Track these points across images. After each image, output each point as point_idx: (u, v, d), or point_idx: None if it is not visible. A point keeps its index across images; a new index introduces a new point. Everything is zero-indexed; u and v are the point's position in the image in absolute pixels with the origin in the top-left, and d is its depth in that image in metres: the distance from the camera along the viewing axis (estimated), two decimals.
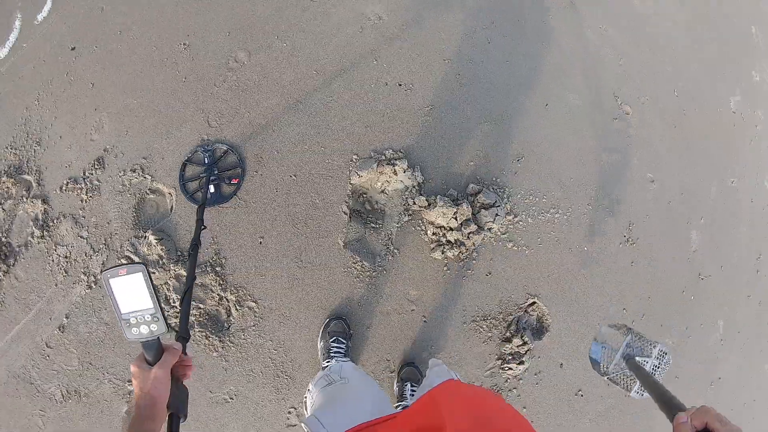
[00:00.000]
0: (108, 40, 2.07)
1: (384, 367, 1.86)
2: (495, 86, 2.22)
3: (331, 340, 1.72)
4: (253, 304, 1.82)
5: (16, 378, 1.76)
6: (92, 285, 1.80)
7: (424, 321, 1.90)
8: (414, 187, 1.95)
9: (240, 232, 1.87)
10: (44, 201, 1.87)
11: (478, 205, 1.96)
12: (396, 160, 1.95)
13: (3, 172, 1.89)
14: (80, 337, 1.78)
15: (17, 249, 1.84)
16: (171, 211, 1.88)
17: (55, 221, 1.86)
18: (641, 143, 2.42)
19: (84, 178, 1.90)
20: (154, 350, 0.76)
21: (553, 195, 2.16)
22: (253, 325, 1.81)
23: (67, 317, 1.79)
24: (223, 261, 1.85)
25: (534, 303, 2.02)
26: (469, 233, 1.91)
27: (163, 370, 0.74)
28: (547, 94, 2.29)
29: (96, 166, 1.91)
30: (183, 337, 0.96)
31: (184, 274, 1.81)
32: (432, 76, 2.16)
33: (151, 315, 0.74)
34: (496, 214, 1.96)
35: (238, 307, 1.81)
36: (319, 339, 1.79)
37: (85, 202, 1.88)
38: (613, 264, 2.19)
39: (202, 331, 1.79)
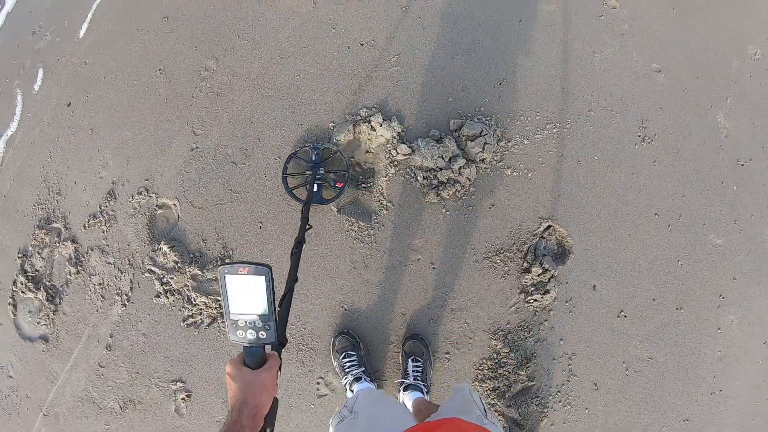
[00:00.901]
0: (95, 88, 2.31)
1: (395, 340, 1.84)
2: (459, 17, 2.17)
3: (341, 357, 1.72)
4: None
5: (80, 401, 1.96)
6: (126, 303, 1.98)
7: (433, 268, 1.86)
8: (394, 137, 1.94)
9: (240, 222, 1.97)
10: (73, 241, 2.09)
11: (464, 138, 1.90)
12: (371, 116, 1.96)
13: (35, 226, 2.15)
14: (125, 351, 1.95)
15: (61, 288, 2.07)
16: (178, 219, 2.03)
17: (85, 256, 2.07)
18: (638, 34, 2.23)
19: (101, 212, 2.10)
20: (257, 357, 0.71)
21: (547, 110, 2.05)
22: None
23: (111, 336, 1.97)
24: (231, 252, 1.94)
25: (549, 226, 1.90)
26: (459, 168, 1.85)
27: (271, 375, 0.70)
28: (518, 9, 2.19)
29: (108, 199, 2.11)
30: (281, 343, 0.86)
31: (199, 273, 1.93)
32: (392, 27, 2.16)
33: (263, 321, 0.69)
34: (485, 143, 1.89)
35: None
36: (332, 359, 1.79)
37: (106, 232, 2.08)
38: (632, 167, 2.01)
39: (223, 322, 1.88)
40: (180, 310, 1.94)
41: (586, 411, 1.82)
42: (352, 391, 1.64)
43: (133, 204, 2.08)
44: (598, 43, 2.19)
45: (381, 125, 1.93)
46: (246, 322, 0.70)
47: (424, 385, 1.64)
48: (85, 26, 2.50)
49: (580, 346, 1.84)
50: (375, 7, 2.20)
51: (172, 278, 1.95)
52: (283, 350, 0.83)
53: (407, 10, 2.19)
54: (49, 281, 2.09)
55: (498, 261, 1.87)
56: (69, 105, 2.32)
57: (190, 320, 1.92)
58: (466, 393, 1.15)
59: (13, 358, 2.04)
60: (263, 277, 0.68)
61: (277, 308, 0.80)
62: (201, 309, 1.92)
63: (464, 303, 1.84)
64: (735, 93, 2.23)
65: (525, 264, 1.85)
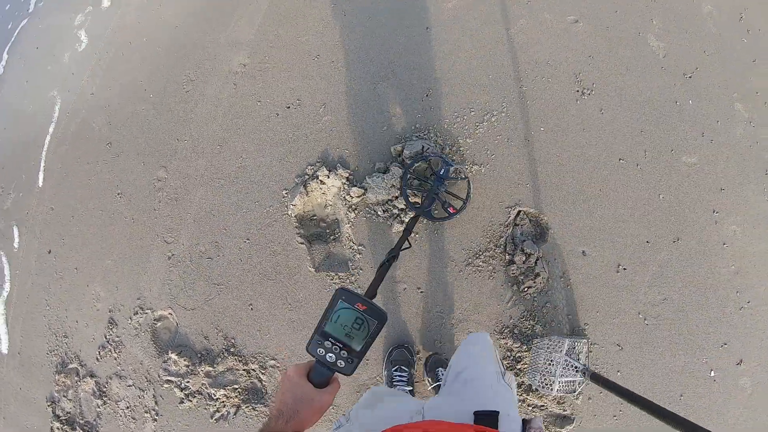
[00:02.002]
0: (68, 229, 2.47)
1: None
2: (369, 47, 2.26)
3: (393, 369, 1.75)
4: (273, 361, 1.98)
5: None
6: (155, 417, 2.10)
7: (421, 292, 1.92)
8: (344, 183, 2.02)
9: (232, 310, 2.07)
10: (92, 376, 2.23)
11: (408, 160, 1.98)
12: (316, 171, 2.05)
13: (54, 372, 2.30)
14: None
15: (94, 422, 2.20)
16: (177, 326, 2.14)
17: (106, 386, 2.20)
18: None
19: (108, 342, 2.24)
20: (323, 378, 0.72)
21: (479, 102, 2.10)
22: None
23: None
24: (233, 341, 2.04)
25: (519, 212, 1.95)
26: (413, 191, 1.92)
27: (329, 400, 0.71)
28: (422, 18, 2.27)
29: (111, 327, 2.25)
30: (371, 296, 0.94)
31: (211, 369, 2.04)
32: (311, 80, 2.26)
33: (351, 355, 0.72)
34: (428, 159, 1.95)
35: (263, 371, 1.98)
36: (383, 367, 1.84)
37: (118, 358, 2.21)
38: (581, 124, 2.05)
39: (247, 406, 1.98)
40: (205, 408, 2.04)
41: (619, 374, 1.84)
42: None
43: (134, 325, 2.20)
44: (508, 18, 2.24)
45: (328, 177, 2.02)
46: (333, 347, 0.71)
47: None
48: (41, 175, 2.68)
49: (590, 314, 1.87)
50: (290, 67, 2.30)
51: (188, 382, 2.06)
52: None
53: (320, 59, 2.29)
54: (82, 419, 2.22)
55: (480, 263, 1.92)
56: (50, 252, 2.49)
57: (217, 414, 2.02)
58: (489, 341, 1.13)
59: None
60: (378, 322, 0.71)
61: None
62: (223, 401, 2.02)
63: (462, 314, 1.90)
64: (659, 11, 2.25)
65: (507, 256, 1.89)
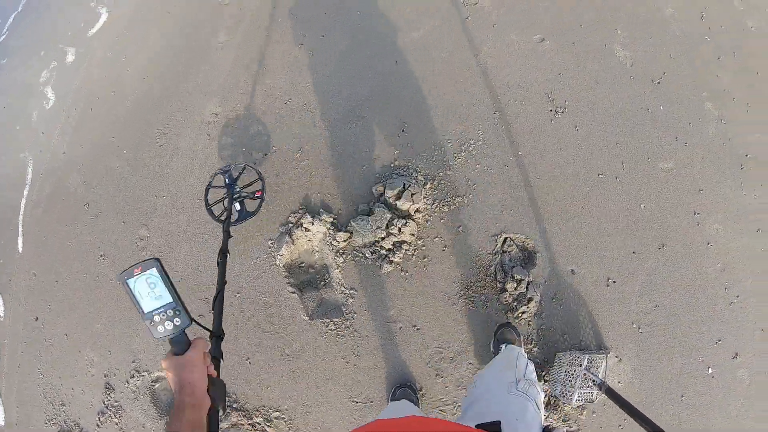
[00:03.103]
0: (53, 295, 2.43)
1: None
2: (339, 88, 2.26)
3: None
4: (278, 413, 1.99)
5: None
6: None
7: (417, 329, 1.94)
8: (329, 228, 2.03)
9: (230, 364, 2.07)
10: None
11: (391, 199, 1.99)
12: (299, 220, 2.05)
13: None
14: None
15: None
16: None
17: None
18: (507, 16, 2.30)
19: (107, 408, 2.22)
20: (182, 345, 0.78)
21: (455, 132, 2.12)
22: (289, 429, 1.97)
23: None
24: (234, 396, 2.04)
25: (505, 239, 1.98)
26: (399, 229, 1.94)
27: (196, 353, 0.76)
28: (388, 52, 2.28)
29: (108, 392, 2.23)
30: (217, 336, 1.02)
31: None
32: (285, 125, 2.25)
33: (173, 309, 0.76)
34: (412, 194, 1.97)
35: (268, 424, 1.99)
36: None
37: (119, 423, 2.19)
38: (557, 143, 2.08)
39: None
40: None
41: (619, 384, 1.88)
42: None
43: (131, 388, 2.19)
44: (475, 44, 2.26)
45: (312, 223, 2.02)
46: (160, 315, 0.77)
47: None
48: (20, 240, 2.64)
49: (585, 330, 1.90)
50: (262, 114, 2.30)
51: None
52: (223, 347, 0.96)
53: (291, 103, 2.29)
54: None
55: (473, 294, 1.94)
56: (36, 319, 2.45)
57: None
58: (513, 354, 1.17)
59: None
60: (154, 268, 0.75)
61: (212, 308, 1.10)
62: None
63: (460, 346, 1.92)
64: (622, 19, 2.29)
65: (498, 284, 1.92)
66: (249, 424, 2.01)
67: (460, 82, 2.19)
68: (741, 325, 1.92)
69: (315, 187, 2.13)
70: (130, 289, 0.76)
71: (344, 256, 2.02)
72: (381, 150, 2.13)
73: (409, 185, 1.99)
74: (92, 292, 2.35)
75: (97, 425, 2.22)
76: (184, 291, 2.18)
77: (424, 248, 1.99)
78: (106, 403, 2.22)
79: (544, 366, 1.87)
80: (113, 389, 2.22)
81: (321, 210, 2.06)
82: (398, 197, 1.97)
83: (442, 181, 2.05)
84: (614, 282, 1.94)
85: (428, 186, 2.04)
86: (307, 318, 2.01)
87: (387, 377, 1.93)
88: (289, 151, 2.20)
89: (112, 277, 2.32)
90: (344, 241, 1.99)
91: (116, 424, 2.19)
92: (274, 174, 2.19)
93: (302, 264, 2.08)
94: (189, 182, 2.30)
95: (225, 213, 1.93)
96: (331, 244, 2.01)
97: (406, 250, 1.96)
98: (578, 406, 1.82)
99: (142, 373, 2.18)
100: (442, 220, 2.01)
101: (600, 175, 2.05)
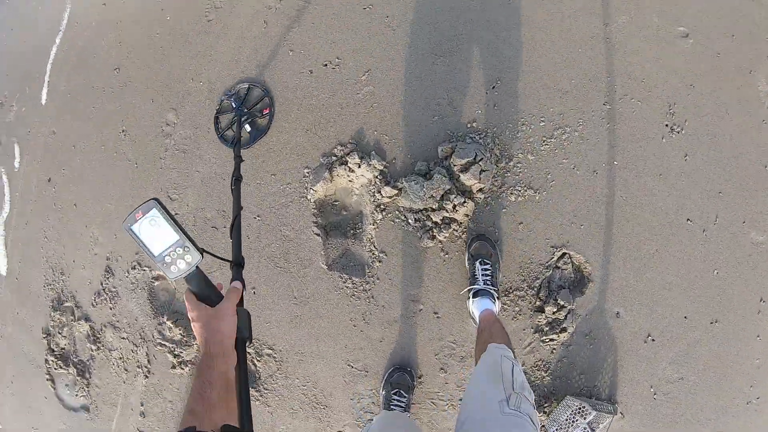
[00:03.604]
0: (69, 160, 2.10)
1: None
2: (435, 9, 1.69)
3: (392, 392, 1.56)
4: (270, 351, 1.75)
5: None
6: (147, 375, 1.92)
7: (437, 317, 1.61)
8: (376, 177, 1.60)
9: None
10: (87, 320, 2.02)
11: (456, 168, 1.53)
12: (345, 156, 1.62)
13: (50, 307, 2.09)
14: (158, 417, 1.93)
15: (88, 363, 2.04)
16: (175, 290, 1.87)
17: (100, 333, 2.00)
18: None
19: (103, 290, 1.99)
20: (198, 282, 0.72)
21: (554, 111, 1.60)
22: (277, 370, 1.74)
23: (142, 405, 1.95)
24: None
25: (564, 254, 1.56)
26: (454, 206, 1.51)
27: (230, 303, 0.71)
28: None
29: (107, 276, 1.98)
30: (238, 264, 0.94)
31: None
32: (357, 36, 1.73)
33: (181, 247, 0.69)
34: (481, 170, 1.52)
35: (258, 358, 1.75)
36: (381, 387, 1.65)
37: (113, 308, 1.98)
38: (659, 167, 1.58)
39: None
40: None
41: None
42: None
43: (131, 279, 1.94)
44: (609, 11, 1.64)
45: (359, 166, 1.59)
46: (171, 255, 0.69)
47: (494, 290, 1.47)
48: (44, 91, 2.24)
49: (603, 377, 1.58)
50: (334, 15, 1.75)
51: (182, 351, 1.84)
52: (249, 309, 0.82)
53: (372, 10, 1.72)
54: (75, 357, 2.06)
55: (507, 302, 1.58)
56: (49, 181, 2.14)
57: None
58: (496, 360, 1.03)
59: (63, 427, 2.09)
60: (154, 209, 0.68)
61: (230, 236, 1.04)
62: None
63: (474, 349, 1.60)
64: None
65: (538, 302, 1.55)
66: None
67: (578, 51, 1.62)
68: (749, 426, 1.58)
69: (373, 122, 1.66)
70: (135, 234, 0.68)
71: (384, 213, 1.63)
72: (461, 103, 1.63)
73: (482, 158, 1.53)
74: (108, 169, 2.00)
75: (92, 304, 2.01)
76: (202, 199, 1.82)
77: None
78: (104, 285, 1.99)
79: (549, 397, 1.57)
80: (113, 274, 1.97)
81: (373, 152, 1.62)
82: (465, 168, 1.52)
83: (519, 164, 1.58)
84: (653, 340, 1.56)
85: (502, 165, 1.57)
86: (325, 266, 1.67)
87: (391, 354, 1.64)
88: (354, 70, 1.70)
89: (131, 157, 1.96)
90: (389, 197, 1.58)
91: (110, 309, 1.97)
92: (329, 92, 1.72)
93: (336, 202, 1.69)
94: (232, 73, 1.84)
95: (235, 135, 1.67)
96: (374, 195, 1.60)
97: (454, 229, 1.56)
98: None
99: (144, 268, 1.91)
100: (504, 210, 1.58)
101: (689, 221, 1.57)
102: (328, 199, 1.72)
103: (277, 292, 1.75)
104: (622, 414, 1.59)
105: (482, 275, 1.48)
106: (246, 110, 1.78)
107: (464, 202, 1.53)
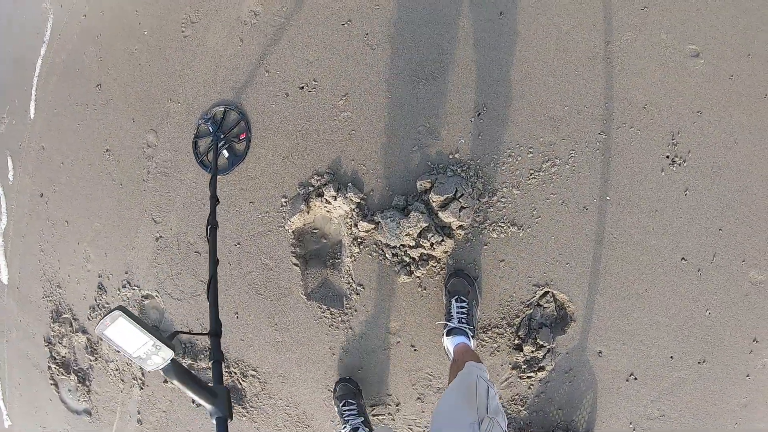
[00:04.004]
0: (58, 176, 1.96)
1: (384, 403, 1.55)
2: (417, 27, 1.45)
3: (341, 404, 1.47)
4: (255, 372, 1.66)
5: None
6: (142, 386, 1.87)
7: (414, 350, 1.48)
8: (353, 210, 1.44)
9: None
10: (83, 332, 1.96)
11: (435, 204, 1.36)
12: (321, 187, 1.46)
13: (50, 318, 2.03)
14: (153, 425, 1.90)
15: (87, 371, 2.00)
16: (164, 309, 1.79)
17: (97, 345, 1.95)
18: (666, 3, 1.38)
19: (97, 305, 1.91)
20: (176, 373, 0.71)
21: (544, 141, 1.39)
22: (261, 390, 1.66)
23: (139, 413, 1.92)
24: None
25: (546, 293, 1.40)
26: (432, 244, 1.36)
27: None
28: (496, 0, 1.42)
29: (100, 292, 1.90)
30: (216, 334, 0.85)
31: (193, 363, 1.74)
32: (334, 56, 1.50)
33: (152, 346, 0.69)
34: (461, 208, 1.34)
35: (243, 378, 1.68)
36: (333, 404, 1.55)
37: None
38: (656, 203, 1.37)
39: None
40: (191, 402, 1.80)
41: None
42: None
43: (122, 297, 1.85)
44: (612, 27, 1.38)
45: (335, 198, 1.43)
46: (146, 352, 0.69)
47: (469, 328, 1.33)
48: (32, 105, 2.08)
49: (582, 413, 1.46)
50: (310, 32, 1.52)
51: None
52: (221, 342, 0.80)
53: (350, 26, 1.50)
54: (76, 366, 2.02)
55: (485, 338, 1.44)
56: (42, 196, 2.02)
57: (197, 402, 1.79)
58: (471, 380, 0.94)
59: (67, 427, 2.08)
60: (120, 318, 0.67)
61: (207, 297, 0.94)
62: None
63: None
64: None
65: (516, 340, 1.41)
66: (226, 371, 1.71)
67: (574, 72, 1.38)
68: None
69: (351, 151, 1.48)
70: (108, 338, 0.67)
71: (361, 246, 1.47)
72: (443, 131, 1.43)
73: (462, 194, 1.35)
74: (94, 187, 1.87)
75: (88, 317, 1.94)
76: (184, 223, 1.70)
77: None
78: (97, 300, 1.91)
79: (524, 430, 1.47)
80: (105, 291, 1.88)
81: (350, 184, 1.44)
82: (444, 205, 1.35)
83: (503, 199, 1.40)
84: (635, 379, 1.41)
85: (484, 200, 1.39)
86: (304, 296, 1.55)
87: (366, 382, 1.54)
88: (331, 93, 1.50)
89: (116, 178, 1.82)
90: (366, 231, 1.42)
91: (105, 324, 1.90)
92: (305, 117, 1.52)
93: (315, 230, 1.54)
94: (208, 94, 1.64)
95: (212, 164, 1.48)
96: (351, 228, 1.45)
97: (432, 266, 1.40)
98: None
99: (134, 287, 1.81)
100: (486, 246, 1.41)
101: (683, 260, 1.37)
102: (308, 227, 1.57)
103: (258, 318, 1.64)
104: None
105: (457, 313, 1.30)
106: (223, 135, 1.56)
107: (442, 240, 1.36)
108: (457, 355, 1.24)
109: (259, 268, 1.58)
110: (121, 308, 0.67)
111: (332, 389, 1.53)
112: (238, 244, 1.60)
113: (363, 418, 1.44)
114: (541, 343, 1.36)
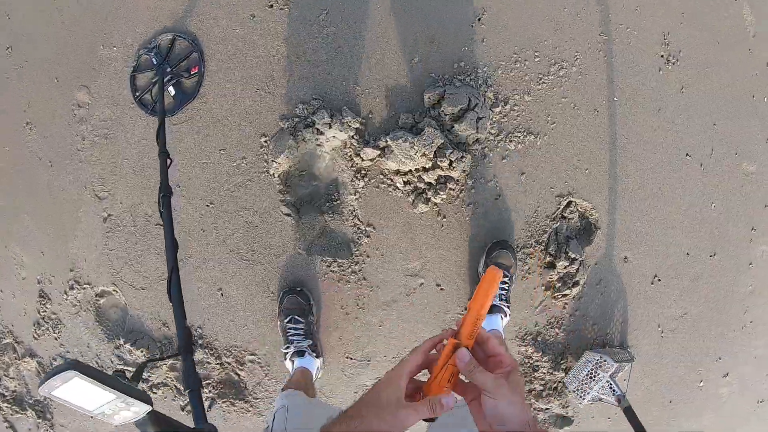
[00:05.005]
0: None
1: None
2: None
3: (286, 320, 0.87)
4: (253, 357, 0.97)
5: None
6: None
7: (441, 289, 0.92)
8: (352, 137, 0.84)
9: (196, 294, 0.97)
10: (32, 355, 1.10)
11: (448, 118, 0.81)
12: (311, 116, 0.83)
13: None
14: None
15: (46, 402, 1.14)
16: (126, 305, 1.02)
17: (50, 366, 1.10)
18: None
19: (42, 318, 1.07)
20: (152, 425, 0.38)
21: (548, 44, 0.91)
22: (265, 376, 0.98)
23: None
24: (200, 330, 0.98)
25: (570, 203, 0.92)
26: (450, 163, 0.80)
27: (411, 417, 0.30)
28: None
29: (42, 302, 1.06)
30: (188, 350, 0.46)
31: (175, 362, 0.99)
32: None
33: (121, 401, 0.36)
34: (478, 118, 0.81)
35: (240, 367, 0.98)
36: (277, 318, 0.92)
37: (59, 338, 1.07)
38: (657, 102, 0.96)
39: (225, 401, 1.01)
40: (173, 400, 1.04)
41: (624, 381, 1.06)
42: (292, 362, 0.85)
43: (71, 301, 1.04)
44: None
45: (330, 126, 0.82)
46: (111, 408, 0.37)
47: (507, 306, 0.85)
48: None
49: (615, 324, 1.01)
50: None
51: (150, 374, 1.02)
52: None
53: None
54: (30, 398, 1.14)
55: (516, 262, 0.93)
56: None
57: (189, 408, 1.04)
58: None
59: None
60: (75, 378, 0.34)
61: (169, 298, 0.50)
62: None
63: None
64: None
65: (548, 257, 0.91)
66: (217, 363, 0.99)
67: None
68: (742, 349, 1.10)
69: (339, 70, 0.88)
70: (60, 398, 0.35)
71: (366, 179, 0.87)
72: (444, 39, 0.89)
73: (476, 103, 0.82)
74: (16, 174, 1.04)
75: (34, 337, 1.08)
76: (137, 192, 0.96)
77: (473, 191, 0.89)
78: (41, 313, 1.07)
79: (564, 353, 0.97)
80: (49, 299, 1.05)
81: (345, 108, 0.84)
82: (458, 117, 0.81)
83: (515, 107, 0.89)
84: (659, 280, 0.99)
85: (498, 109, 0.87)
86: (303, 252, 0.90)
87: (391, 337, 0.94)
88: (309, 9, 0.89)
89: (42, 155, 1.02)
90: (371, 159, 0.83)
91: (55, 339, 1.07)
92: (279, 40, 0.89)
93: (302, 173, 0.90)
94: (152, 28, 0.93)
95: (158, 105, 0.82)
96: (352, 160, 0.84)
97: (451, 189, 0.85)
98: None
99: (84, 286, 1.02)
100: (504, 160, 0.89)
101: (687, 156, 0.98)
102: (293, 170, 0.94)
103: (248, 290, 0.96)
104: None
105: (499, 288, 0.81)
106: (170, 68, 0.89)
107: (462, 156, 0.83)
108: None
109: (241, 228, 0.91)
110: (74, 365, 0.34)
111: (279, 298, 0.90)
112: (211, 204, 0.92)
113: (311, 341, 0.87)
114: (573, 256, 0.88)
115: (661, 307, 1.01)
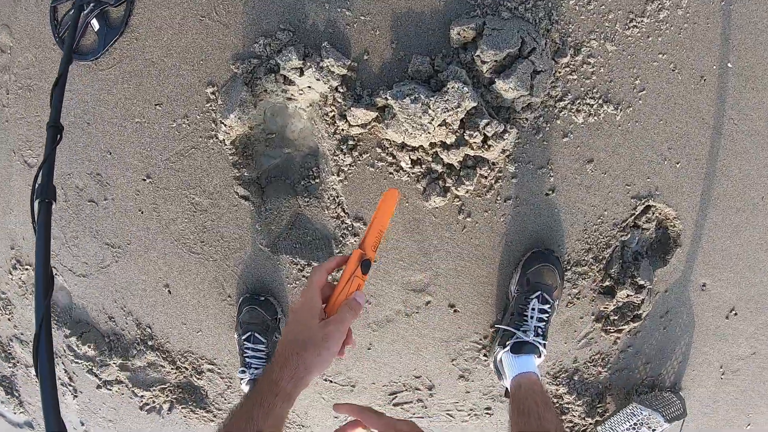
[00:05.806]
0: None
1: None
2: None
3: (243, 337, 0.48)
4: (212, 366, 0.61)
5: None
6: (75, 394, 0.74)
7: (454, 311, 0.52)
8: (335, 89, 0.41)
9: (140, 288, 0.59)
10: None
11: (487, 68, 0.36)
12: (275, 55, 0.40)
13: None
14: None
15: (12, 379, 0.81)
16: (70, 294, 0.66)
17: (10, 348, 0.76)
18: None
19: None
20: None
21: None
22: (227, 387, 0.62)
23: (82, 424, 0.78)
24: (150, 330, 0.62)
25: (648, 207, 0.48)
26: (486, 138, 0.36)
27: (335, 331, 0.25)
28: None
29: None
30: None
31: (126, 362, 0.64)
32: None
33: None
34: (534, 72, 0.36)
35: (198, 376, 0.62)
36: (234, 331, 0.54)
37: (12, 319, 0.72)
38: None
39: (185, 408, 0.66)
40: (130, 398, 0.70)
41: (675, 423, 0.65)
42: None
43: (16, 281, 0.68)
44: None
45: (301, 72, 0.39)
46: None
47: (543, 343, 0.42)
48: None
49: (671, 364, 0.60)
50: None
51: (101, 371, 0.67)
52: None
53: None
54: None
55: (564, 282, 0.51)
56: None
57: (148, 407, 0.69)
58: None
59: None
60: None
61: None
62: (152, 398, 0.68)
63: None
64: None
65: (607, 282, 0.49)
66: (172, 368, 0.62)
67: None
68: None
69: None
70: None
71: (355, 153, 0.44)
72: None
73: (533, 48, 0.36)
74: None
75: None
76: (71, 153, 0.56)
77: (515, 182, 0.45)
78: None
79: (603, 395, 0.56)
80: None
81: (326, 45, 0.40)
82: (503, 68, 0.35)
83: (590, 59, 0.43)
84: (735, 314, 0.55)
85: (564, 61, 0.42)
86: (266, 249, 0.50)
87: (388, 363, 0.55)
88: None
89: None
90: (363, 125, 0.39)
91: (9, 319, 0.72)
92: None
93: (270, 136, 0.46)
94: None
95: (68, 36, 0.36)
96: (334, 123, 0.41)
97: (483, 177, 0.42)
98: None
99: (25, 266, 0.65)
100: (566, 138, 0.45)
101: None
102: (257, 132, 0.49)
103: (199, 290, 0.57)
104: (684, 397, 0.62)
105: (536, 318, 0.39)
106: None
107: (504, 130, 0.39)
108: (520, 391, 0.36)
109: (187, 211, 0.52)
110: None
111: (238, 304, 0.52)
112: (148, 177, 0.51)
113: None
114: (641, 282, 0.45)
115: (730, 345, 0.58)
